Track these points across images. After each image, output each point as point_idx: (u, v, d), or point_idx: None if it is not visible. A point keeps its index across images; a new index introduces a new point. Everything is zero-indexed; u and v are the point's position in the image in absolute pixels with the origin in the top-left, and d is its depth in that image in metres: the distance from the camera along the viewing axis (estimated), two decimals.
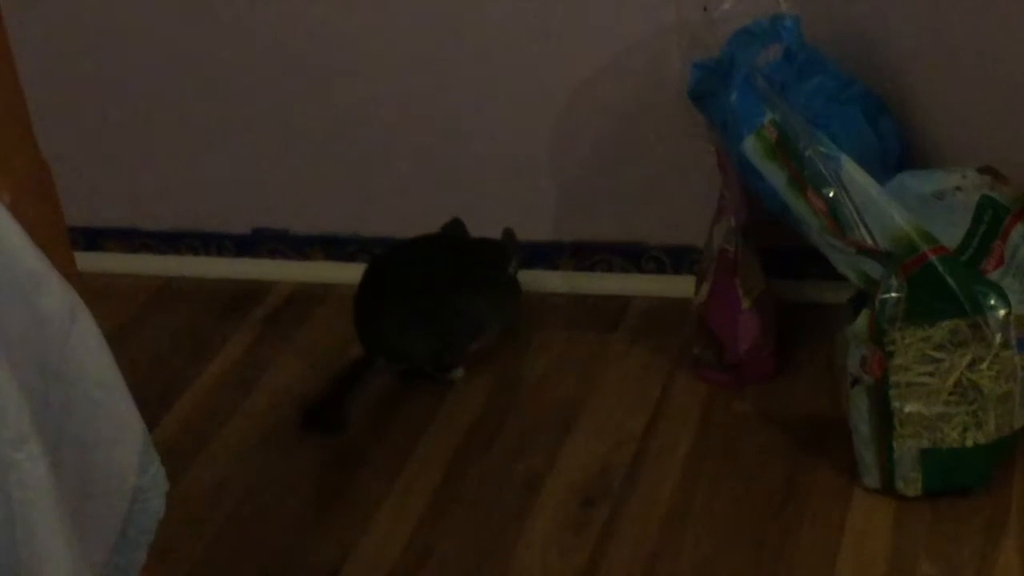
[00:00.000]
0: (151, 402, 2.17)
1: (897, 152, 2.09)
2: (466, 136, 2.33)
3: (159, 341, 2.36)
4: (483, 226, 2.36)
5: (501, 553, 1.88)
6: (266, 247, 2.48)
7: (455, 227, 2.27)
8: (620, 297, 2.33)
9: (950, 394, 1.84)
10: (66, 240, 1.46)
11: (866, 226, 1.88)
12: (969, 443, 1.85)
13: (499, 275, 2.24)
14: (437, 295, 2.17)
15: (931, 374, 1.84)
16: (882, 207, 1.88)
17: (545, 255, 2.36)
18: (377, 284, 2.21)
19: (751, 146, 1.93)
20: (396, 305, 2.17)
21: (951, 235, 1.90)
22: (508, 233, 2.27)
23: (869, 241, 1.87)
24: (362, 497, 2.00)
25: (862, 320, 1.85)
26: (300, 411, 2.15)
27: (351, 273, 2.43)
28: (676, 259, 2.29)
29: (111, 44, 2.41)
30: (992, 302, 1.82)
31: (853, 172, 1.90)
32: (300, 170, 2.42)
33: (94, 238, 2.53)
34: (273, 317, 2.39)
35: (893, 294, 1.83)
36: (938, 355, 1.83)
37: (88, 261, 2.35)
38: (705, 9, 2.02)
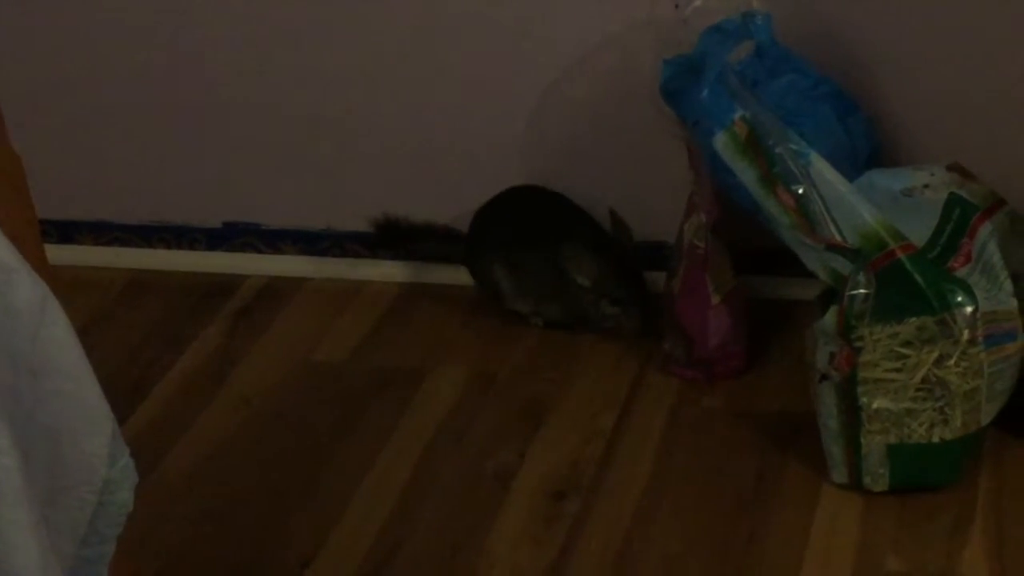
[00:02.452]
0: (122, 395, 2.16)
1: (867, 150, 2.10)
2: (438, 131, 2.34)
3: (130, 334, 2.36)
4: (456, 220, 2.36)
5: (471, 547, 1.89)
6: (238, 241, 2.48)
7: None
8: None
9: (917, 390, 1.85)
10: (37, 233, 1.46)
11: (835, 223, 1.89)
12: (936, 439, 1.86)
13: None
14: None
15: (899, 370, 1.85)
16: (851, 204, 1.89)
17: None
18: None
19: (722, 143, 1.94)
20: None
21: (919, 232, 1.91)
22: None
23: (838, 238, 1.88)
24: (334, 490, 2.00)
25: (831, 316, 1.86)
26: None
27: (323, 267, 2.44)
28: (647, 254, 2.29)
29: (84, 38, 2.41)
30: (959, 299, 1.83)
31: (823, 169, 1.91)
32: (272, 164, 2.42)
33: (66, 231, 2.52)
34: (245, 311, 2.39)
35: (861, 291, 1.84)
36: (906, 351, 1.85)
37: (60, 254, 2.34)
38: (677, 6, 2.03)
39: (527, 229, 2.24)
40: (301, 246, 2.45)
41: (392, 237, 2.37)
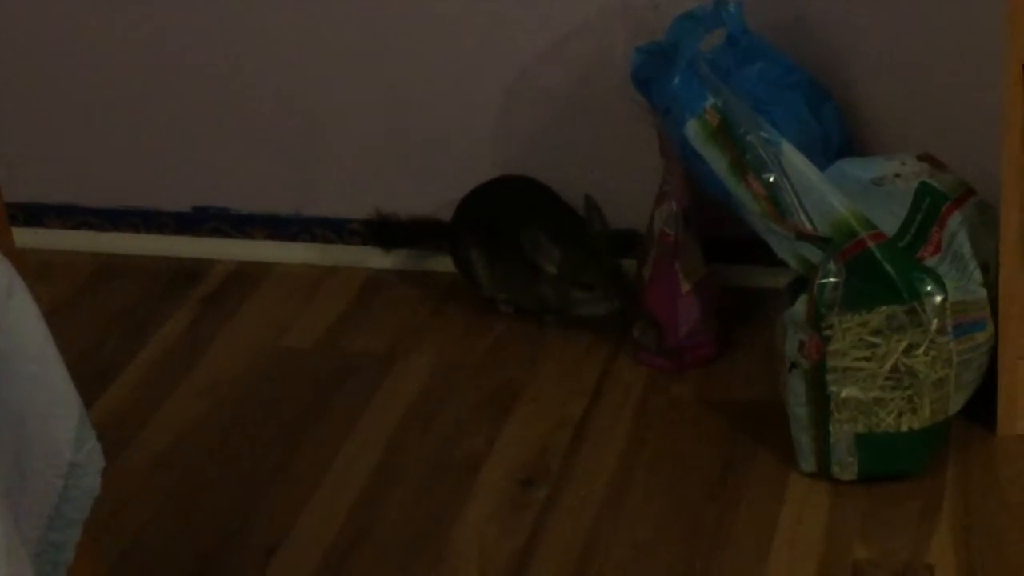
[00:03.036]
0: (90, 379, 2.16)
1: (838, 138, 2.10)
2: (411, 118, 2.33)
3: (98, 319, 2.35)
4: (426, 207, 2.36)
5: (439, 534, 1.89)
6: (207, 225, 2.47)
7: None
8: None
9: (886, 379, 1.85)
10: (4, 216, 1.45)
11: (806, 211, 1.90)
12: (904, 428, 1.87)
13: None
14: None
15: (868, 359, 1.85)
16: (822, 193, 1.90)
17: None
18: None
19: (693, 130, 1.94)
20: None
21: (889, 222, 1.91)
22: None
23: (808, 226, 1.88)
24: (301, 476, 2.00)
25: (800, 305, 1.86)
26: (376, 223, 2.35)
27: (293, 252, 2.43)
28: (618, 242, 2.29)
29: (52, 23, 2.39)
30: (929, 288, 1.84)
31: (794, 158, 1.92)
32: (242, 148, 2.41)
33: (34, 214, 2.51)
34: (214, 296, 2.38)
35: (831, 279, 1.85)
36: (875, 340, 1.85)
37: (28, 237, 2.34)
38: None
39: (501, 218, 2.23)
40: (270, 231, 2.45)
41: (386, 234, 2.37)
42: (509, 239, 2.18)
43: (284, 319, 2.31)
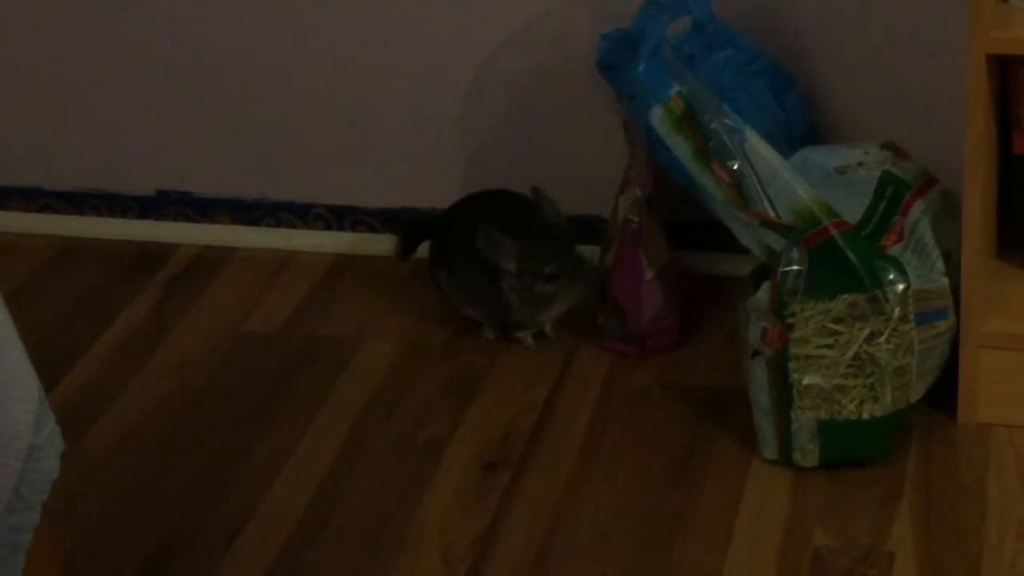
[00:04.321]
0: (51, 363, 2.15)
1: (802, 126, 2.11)
2: (374, 103, 2.33)
3: (60, 302, 2.34)
4: (388, 193, 2.36)
5: (402, 518, 1.89)
6: (170, 209, 2.46)
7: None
8: None
9: (848, 367, 1.86)
10: None
11: (769, 199, 1.90)
12: (866, 415, 1.88)
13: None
14: None
15: (830, 347, 1.86)
16: (785, 181, 1.90)
17: None
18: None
19: (658, 117, 1.94)
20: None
21: (852, 210, 1.92)
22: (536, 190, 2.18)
23: (772, 214, 1.89)
24: (263, 461, 1.99)
25: (763, 292, 1.87)
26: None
27: (256, 236, 2.43)
28: (582, 229, 2.29)
29: (12, 5, 2.38)
30: (891, 276, 1.84)
31: (758, 145, 1.92)
32: (206, 133, 2.41)
33: None
34: (177, 280, 2.38)
35: (794, 267, 1.85)
36: (837, 328, 1.86)
37: None
38: None
39: (462, 231, 2.15)
40: (234, 215, 2.44)
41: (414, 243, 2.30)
42: (465, 247, 2.12)
43: (248, 303, 2.31)
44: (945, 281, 1.91)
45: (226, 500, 1.93)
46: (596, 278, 2.14)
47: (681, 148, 1.94)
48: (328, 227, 2.41)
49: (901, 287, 1.84)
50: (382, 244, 2.37)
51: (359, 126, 2.35)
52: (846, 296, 1.84)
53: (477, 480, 1.94)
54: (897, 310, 1.84)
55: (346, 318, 2.26)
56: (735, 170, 1.91)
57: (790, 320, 1.85)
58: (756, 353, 1.89)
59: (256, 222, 2.43)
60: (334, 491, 1.94)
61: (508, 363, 2.14)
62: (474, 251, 2.11)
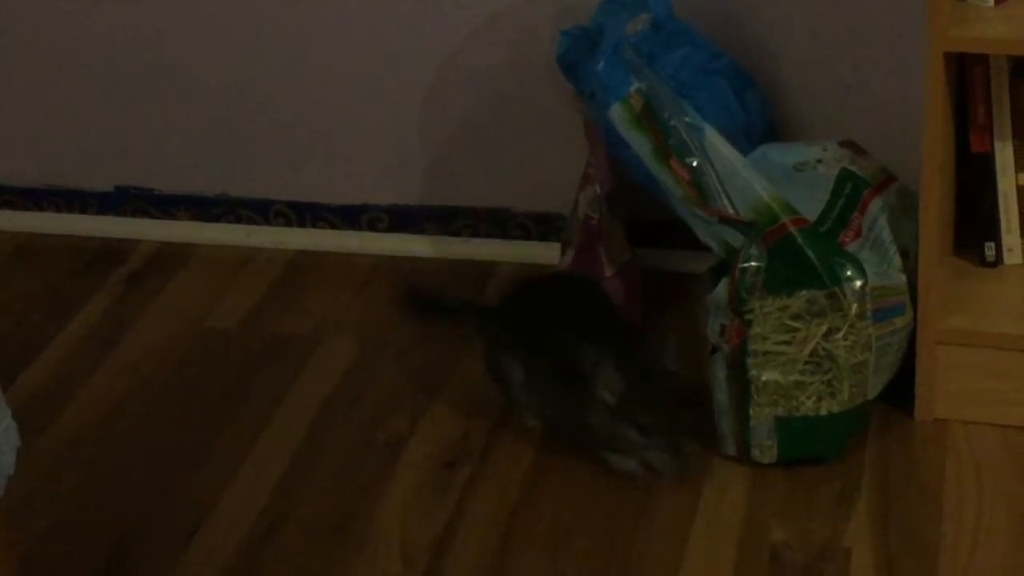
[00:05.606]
0: (10, 359, 2.15)
1: (761, 124, 2.11)
2: (335, 101, 2.32)
3: (18, 298, 2.33)
4: (349, 190, 2.35)
5: (361, 515, 1.88)
6: (130, 205, 2.45)
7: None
8: (486, 263, 2.33)
9: (806, 363, 1.86)
10: None
11: (728, 196, 1.90)
12: (823, 412, 1.88)
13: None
14: None
15: (788, 343, 1.86)
16: (744, 178, 1.90)
17: (412, 219, 2.36)
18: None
19: (617, 114, 1.94)
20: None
21: (811, 207, 1.92)
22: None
23: (731, 211, 1.89)
24: (222, 459, 1.99)
25: (722, 289, 1.87)
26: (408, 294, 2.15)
27: (217, 233, 2.42)
28: (542, 226, 2.30)
29: None
30: (849, 273, 1.85)
31: (717, 143, 1.92)
32: (167, 129, 2.40)
33: None
34: (136, 276, 2.37)
35: (753, 264, 1.86)
36: (795, 324, 1.86)
37: None
38: None
39: (547, 325, 1.94)
40: (194, 212, 2.43)
41: (418, 305, 2.16)
42: (557, 352, 1.91)
43: (208, 300, 2.30)
44: (902, 278, 1.91)
45: (185, 498, 1.92)
46: (690, 452, 1.88)
47: (641, 145, 1.94)
48: (289, 224, 2.40)
49: (859, 284, 1.85)
50: (343, 241, 2.37)
51: (320, 123, 2.34)
52: (804, 293, 1.85)
53: (437, 477, 1.94)
54: (855, 307, 1.85)
55: (307, 315, 2.26)
56: (694, 167, 1.91)
57: (748, 316, 1.86)
58: (715, 350, 1.89)
59: (216, 219, 2.43)
60: (293, 488, 1.93)
61: (468, 361, 2.14)
62: (563, 354, 1.89)
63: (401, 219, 2.35)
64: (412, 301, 2.15)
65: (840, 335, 1.86)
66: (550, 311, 1.97)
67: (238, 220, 2.42)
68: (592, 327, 1.92)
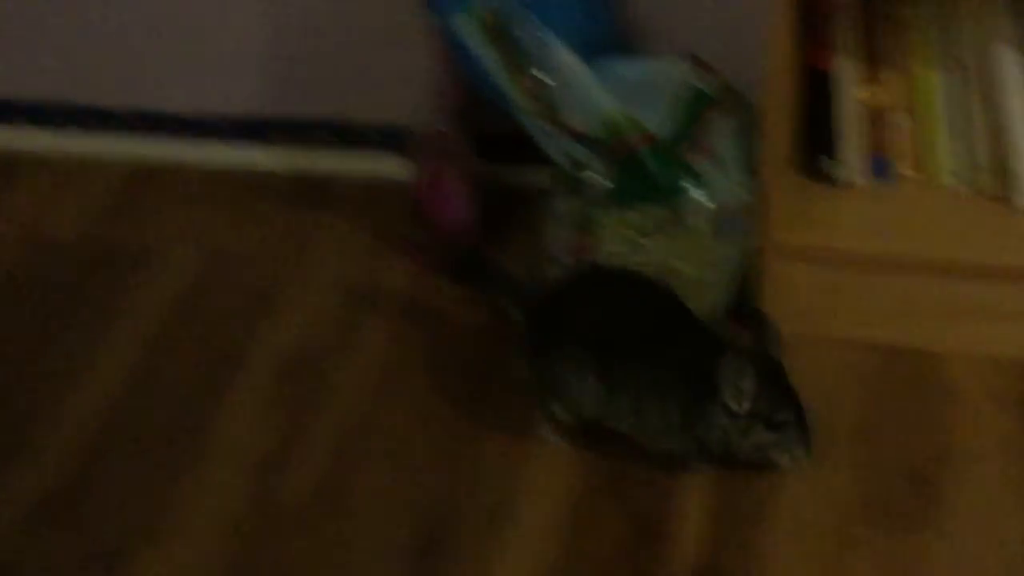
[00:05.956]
0: None
1: (608, 39, 2.10)
2: (176, 5, 2.27)
3: None
4: (194, 99, 2.31)
5: (196, 427, 1.87)
6: None
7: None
8: (331, 175, 2.30)
9: None
10: None
11: (576, 111, 1.90)
12: None
13: None
14: None
15: (633, 258, 1.86)
16: (592, 92, 1.90)
17: (256, 130, 2.32)
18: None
19: (464, 25, 1.92)
20: None
21: (656, 122, 1.92)
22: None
23: (578, 126, 1.89)
24: (59, 371, 1.96)
25: (568, 204, 1.87)
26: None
27: (56, 142, 2.37)
28: (388, 138, 2.27)
29: None
30: (693, 190, 1.85)
31: (564, 56, 1.91)
32: (3, 32, 2.33)
33: None
34: None
35: (599, 179, 1.85)
36: (640, 240, 1.86)
37: None
38: None
39: (635, 329, 1.76)
40: (33, 118, 2.38)
41: (473, 271, 2.01)
42: (663, 362, 1.73)
43: (44, 210, 2.25)
44: (746, 194, 1.92)
45: (18, 414, 1.89)
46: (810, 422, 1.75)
47: (487, 57, 1.92)
48: (133, 132, 2.35)
49: (703, 200, 1.85)
50: (183, 151, 2.33)
51: (161, 28, 2.29)
52: (649, 209, 1.85)
53: (274, 393, 1.92)
54: (699, 223, 1.85)
55: (146, 226, 2.22)
56: (542, 81, 1.90)
57: (594, 231, 1.86)
58: (560, 264, 1.89)
59: (60, 127, 2.37)
60: (131, 401, 1.91)
61: (313, 274, 2.12)
62: (667, 361, 1.74)
63: (244, 130, 2.31)
64: (464, 263, 2.04)
65: (684, 251, 1.86)
66: (630, 314, 1.78)
67: (81, 128, 2.37)
68: (686, 331, 1.76)
